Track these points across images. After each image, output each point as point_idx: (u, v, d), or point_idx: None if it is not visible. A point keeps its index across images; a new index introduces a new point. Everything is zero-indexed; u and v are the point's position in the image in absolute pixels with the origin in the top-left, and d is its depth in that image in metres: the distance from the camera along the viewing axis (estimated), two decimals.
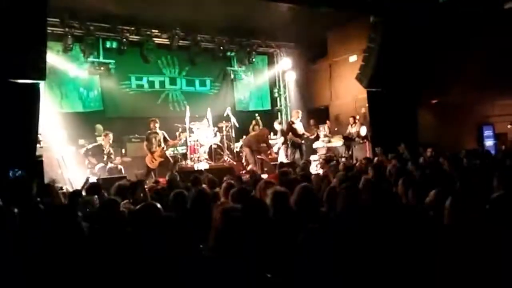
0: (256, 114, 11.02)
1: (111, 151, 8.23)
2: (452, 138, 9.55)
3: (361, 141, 9.70)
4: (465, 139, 9.95)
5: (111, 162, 8.02)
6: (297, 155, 9.40)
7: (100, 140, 8.54)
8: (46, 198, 4.02)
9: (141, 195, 4.54)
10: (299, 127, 9.63)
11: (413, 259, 2.30)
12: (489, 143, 10.12)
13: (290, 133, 9.62)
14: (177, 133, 9.29)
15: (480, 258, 2.06)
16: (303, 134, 9.62)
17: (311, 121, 9.92)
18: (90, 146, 8.37)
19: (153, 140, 8.36)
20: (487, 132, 10.23)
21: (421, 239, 2.40)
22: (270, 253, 2.40)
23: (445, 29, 8.81)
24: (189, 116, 9.51)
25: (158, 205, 2.78)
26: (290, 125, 9.82)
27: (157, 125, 8.46)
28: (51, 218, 2.63)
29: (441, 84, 9.60)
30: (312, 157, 9.70)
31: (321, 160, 8.08)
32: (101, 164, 7.94)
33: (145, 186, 5.18)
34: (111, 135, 8.24)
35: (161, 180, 6.60)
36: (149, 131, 8.44)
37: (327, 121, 10.37)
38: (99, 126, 9.11)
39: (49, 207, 3.28)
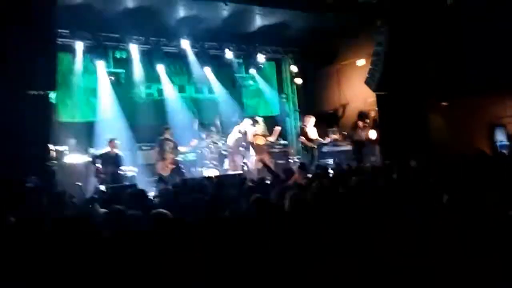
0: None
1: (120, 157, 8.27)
2: (464, 140, 9.42)
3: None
4: (476, 141, 9.80)
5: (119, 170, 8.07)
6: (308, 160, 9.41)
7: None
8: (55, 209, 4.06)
9: None
10: (311, 132, 9.64)
11: None
12: (501, 144, 9.93)
13: (303, 137, 9.65)
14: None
15: None
16: (316, 139, 9.61)
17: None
18: (97, 153, 8.42)
19: (166, 147, 8.42)
20: (499, 134, 10.06)
21: None
22: None
23: (453, 31, 8.75)
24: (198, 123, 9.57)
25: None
26: (302, 129, 9.84)
27: (171, 132, 8.54)
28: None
29: (451, 86, 9.51)
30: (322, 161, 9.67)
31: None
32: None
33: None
34: (117, 142, 8.30)
35: None
36: (162, 138, 8.49)
37: (335, 126, 10.36)
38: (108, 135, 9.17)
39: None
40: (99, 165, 7.99)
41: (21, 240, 2.63)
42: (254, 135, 9.09)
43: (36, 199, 4.38)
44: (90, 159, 8.34)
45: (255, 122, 9.47)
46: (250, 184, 5.52)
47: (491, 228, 2.31)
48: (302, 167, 6.75)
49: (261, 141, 9.03)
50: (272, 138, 9.35)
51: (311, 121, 9.78)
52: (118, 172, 8.06)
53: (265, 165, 7.60)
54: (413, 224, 2.62)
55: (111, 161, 8.06)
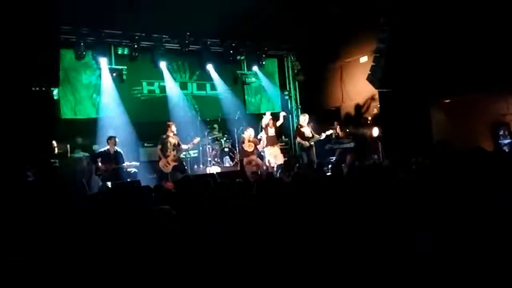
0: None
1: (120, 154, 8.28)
2: (466, 138, 9.39)
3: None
4: (479, 138, 9.78)
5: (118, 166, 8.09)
6: (306, 158, 9.41)
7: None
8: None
9: None
10: (307, 130, 9.63)
11: None
12: (504, 142, 9.90)
13: (298, 137, 9.65)
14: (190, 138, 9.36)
15: None
16: (313, 136, 9.61)
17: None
18: (97, 151, 8.42)
19: (168, 144, 8.42)
20: (502, 131, 10.02)
21: None
22: None
23: (455, 27, 8.70)
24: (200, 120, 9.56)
25: None
26: (298, 128, 9.82)
27: (174, 129, 8.52)
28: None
29: (454, 83, 9.47)
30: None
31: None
32: None
33: None
34: (116, 139, 8.31)
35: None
36: (164, 135, 8.49)
37: (335, 122, 10.33)
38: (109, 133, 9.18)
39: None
40: (99, 163, 8.00)
41: None
42: (248, 140, 9.12)
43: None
44: (92, 156, 8.35)
45: (276, 119, 9.47)
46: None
47: (491, 227, 2.31)
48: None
49: (250, 147, 9.05)
50: (260, 147, 9.34)
51: (305, 119, 9.75)
52: (119, 169, 8.07)
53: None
54: (414, 223, 2.62)
55: (111, 158, 8.08)
